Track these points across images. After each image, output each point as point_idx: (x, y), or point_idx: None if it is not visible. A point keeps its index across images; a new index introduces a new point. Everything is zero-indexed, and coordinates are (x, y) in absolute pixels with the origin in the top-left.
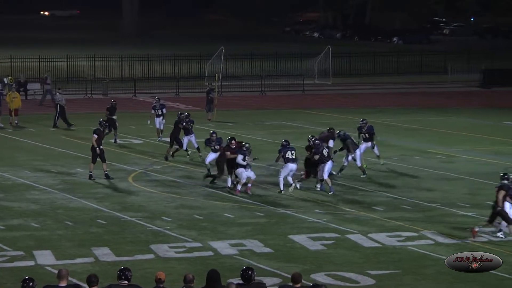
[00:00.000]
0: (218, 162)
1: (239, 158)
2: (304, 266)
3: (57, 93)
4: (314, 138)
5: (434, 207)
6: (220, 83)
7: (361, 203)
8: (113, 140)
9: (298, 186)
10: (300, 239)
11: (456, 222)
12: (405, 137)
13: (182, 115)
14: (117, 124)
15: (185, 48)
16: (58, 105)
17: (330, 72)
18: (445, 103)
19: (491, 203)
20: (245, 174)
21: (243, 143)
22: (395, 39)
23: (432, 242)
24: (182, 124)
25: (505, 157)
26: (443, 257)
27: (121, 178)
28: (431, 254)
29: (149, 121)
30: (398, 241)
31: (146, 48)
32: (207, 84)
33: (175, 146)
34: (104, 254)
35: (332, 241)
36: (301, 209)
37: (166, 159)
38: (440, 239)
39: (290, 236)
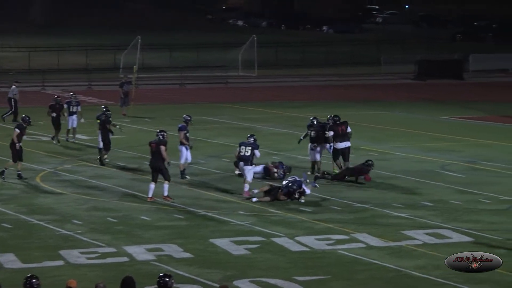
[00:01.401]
0: (154, 164)
1: (257, 153)
2: (227, 272)
3: (13, 86)
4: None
5: (366, 208)
6: (136, 75)
7: (288, 204)
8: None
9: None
10: (223, 243)
11: (389, 224)
12: None
13: (109, 113)
14: (60, 124)
15: (100, 38)
16: (12, 100)
17: (255, 63)
18: (378, 96)
19: (428, 203)
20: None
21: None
22: (325, 28)
23: (363, 245)
24: (109, 124)
25: (442, 154)
26: (375, 262)
27: (28, 178)
28: (363, 258)
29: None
30: (328, 244)
31: (58, 38)
32: (122, 76)
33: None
34: (10, 260)
35: (257, 245)
36: (223, 211)
37: (102, 163)
38: (373, 242)
39: (212, 240)
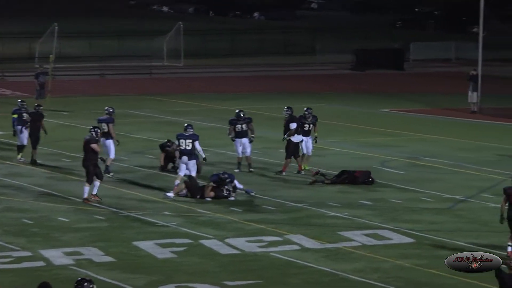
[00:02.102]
0: (83, 162)
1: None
2: (151, 277)
3: None
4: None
5: (300, 208)
6: (52, 65)
7: (217, 203)
8: None
9: None
10: (147, 245)
11: (325, 224)
12: (267, 127)
13: (41, 108)
14: None
15: (13, 25)
16: None
17: (182, 52)
18: (313, 88)
19: (366, 202)
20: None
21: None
22: (256, 14)
23: (298, 247)
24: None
25: (382, 149)
26: (311, 265)
27: None
28: (297, 261)
29: None
30: (260, 246)
31: None
32: (37, 66)
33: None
34: None
35: (184, 248)
36: (148, 211)
37: (35, 162)
38: (308, 244)
39: (135, 243)
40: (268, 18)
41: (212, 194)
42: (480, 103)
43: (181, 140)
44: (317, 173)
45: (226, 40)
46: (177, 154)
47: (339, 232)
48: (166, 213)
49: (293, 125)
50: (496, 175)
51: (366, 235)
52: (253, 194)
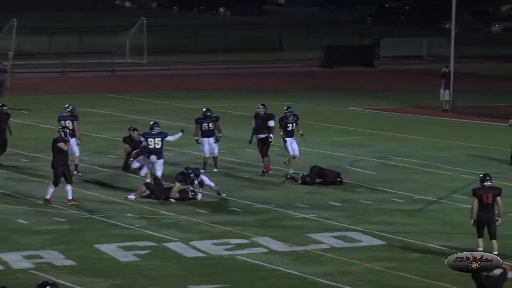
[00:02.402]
0: (53, 163)
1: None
2: (114, 281)
3: None
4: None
5: (268, 209)
6: (11, 62)
7: (182, 205)
8: None
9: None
10: (109, 249)
11: (293, 226)
12: (233, 126)
13: (6, 108)
14: None
15: None
16: None
17: (145, 49)
18: (281, 85)
19: (335, 203)
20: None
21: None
22: (221, 9)
23: (265, 250)
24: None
25: (351, 148)
26: (278, 268)
27: None
28: (264, 264)
29: None
30: (226, 249)
31: None
32: None
33: None
34: None
35: (147, 251)
36: (110, 213)
37: None
38: (275, 246)
39: (97, 246)
40: (234, 13)
41: (177, 195)
42: (452, 101)
43: (150, 139)
44: (287, 177)
45: (190, 36)
46: (143, 141)
47: (308, 234)
48: (129, 215)
49: (272, 123)
50: (469, 175)
51: (335, 237)
52: (224, 195)
